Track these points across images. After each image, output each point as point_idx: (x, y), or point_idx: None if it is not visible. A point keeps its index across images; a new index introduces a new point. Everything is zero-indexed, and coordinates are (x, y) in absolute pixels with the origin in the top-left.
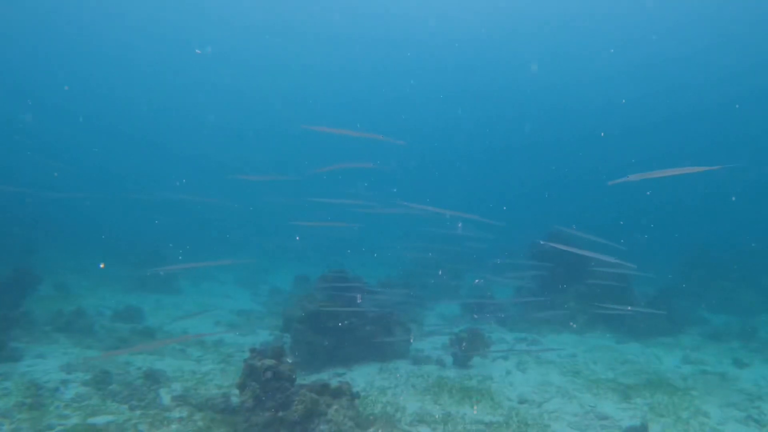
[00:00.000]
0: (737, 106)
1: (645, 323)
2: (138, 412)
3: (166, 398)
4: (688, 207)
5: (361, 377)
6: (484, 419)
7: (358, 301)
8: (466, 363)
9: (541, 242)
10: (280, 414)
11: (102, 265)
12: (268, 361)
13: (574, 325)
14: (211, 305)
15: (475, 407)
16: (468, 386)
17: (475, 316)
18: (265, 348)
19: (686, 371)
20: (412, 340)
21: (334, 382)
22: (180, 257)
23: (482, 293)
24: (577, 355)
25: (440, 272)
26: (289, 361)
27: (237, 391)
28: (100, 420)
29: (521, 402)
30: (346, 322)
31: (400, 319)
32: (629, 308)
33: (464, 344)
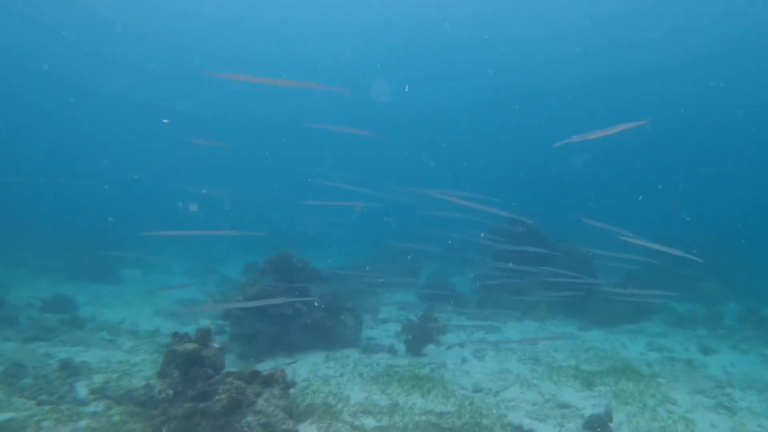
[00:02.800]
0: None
1: (609, 310)
2: (46, 407)
3: (82, 391)
4: (652, 196)
5: (305, 366)
6: (435, 409)
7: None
8: (419, 351)
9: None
10: (202, 405)
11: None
12: (190, 346)
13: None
14: (152, 294)
15: (426, 396)
16: (420, 375)
17: (432, 304)
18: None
19: (652, 358)
20: (362, 327)
21: (266, 370)
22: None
23: (441, 281)
24: (537, 343)
25: (409, 257)
26: (216, 345)
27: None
28: None
29: (476, 391)
30: (290, 308)
31: (350, 306)
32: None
33: (417, 331)
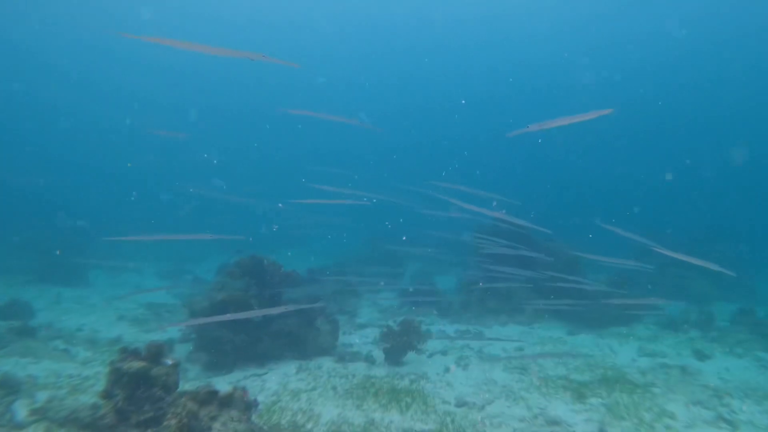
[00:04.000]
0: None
1: (597, 312)
2: None
3: (22, 412)
4: (641, 195)
5: (274, 378)
6: (414, 427)
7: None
8: (398, 360)
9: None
10: (149, 431)
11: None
12: (137, 364)
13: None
14: (119, 297)
15: (405, 412)
16: (398, 387)
17: (414, 307)
18: (155, 346)
19: (644, 365)
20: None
21: (225, 388)
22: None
23: (424, 282)
24: (524, 349)
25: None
26: (170, 362)
27: None
28: None
29: (459, 405)
30: (260, 314)
31: (326, 311)
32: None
33: (397, 339)
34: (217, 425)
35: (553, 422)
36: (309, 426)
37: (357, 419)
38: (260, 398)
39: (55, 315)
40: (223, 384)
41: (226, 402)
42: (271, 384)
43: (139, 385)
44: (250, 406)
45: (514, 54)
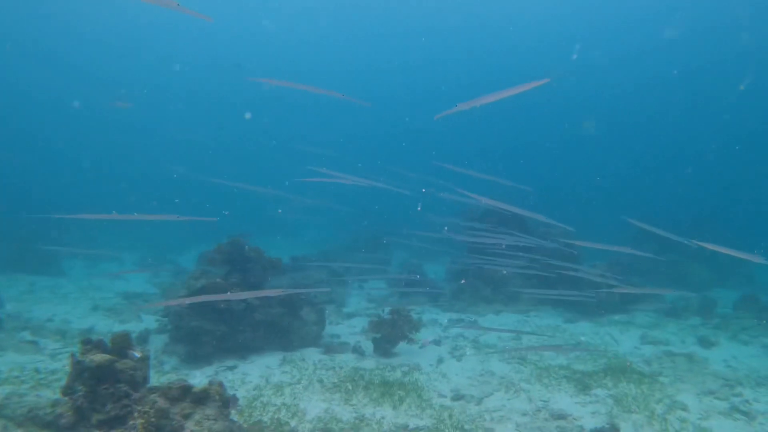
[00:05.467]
0: None
1: (595, 299)
2: None
3: None
4: (638, 181)
5: (256, 371)
6: (409, 423)
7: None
8: (389, 350)
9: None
10: None
11: None
12: (99, 357)
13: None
14: (94, 286)
15: (398, 407)
16: (390, 380)
17: (404, 296)
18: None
19: (648, 353)
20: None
21: (199, 384)
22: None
23: (415, 270)
24: (521, 338)
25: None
26: (138, 355)
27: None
28: None
29: (456, 398)
30: (240, 303)
31: (312, 300)
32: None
33: (387, 328)
34: (190, 424)
35: (559, 416)
36: (293, 423)
37: (346, 415)
38: (241, 393)
39: (26, 305)
40: (201, 378)
41: (201, 398)
42: (252, 377)
43: (102, 380)
44: (228, 403)
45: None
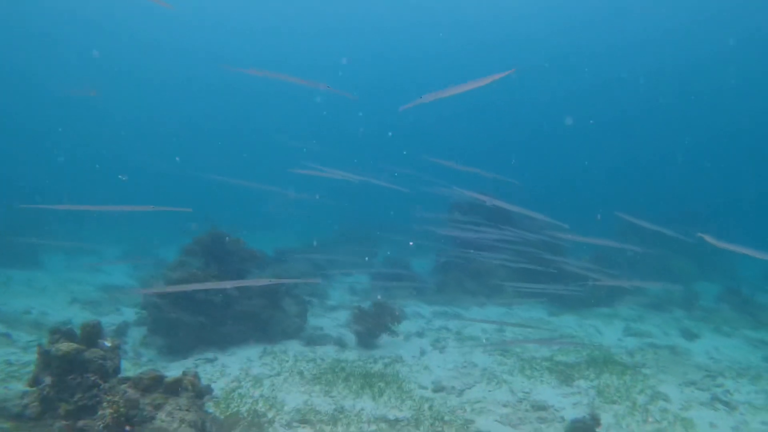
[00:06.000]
0: None
1: (579, 292)
2: None
3: None
4: (622, 175)
5: (236, 363)
6: (388, 415)
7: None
8: (371, 342)
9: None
10: (80, 423)
11: None
12: (66, 346)
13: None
14: (74, 279)
15: (378, 399)
16: (371, 371)
17: (388, 289)
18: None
19: (631, 345)
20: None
21: (173, 374)
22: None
23: (401, 264)
24: (505, 330)
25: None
26: (108, 344)
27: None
28: None
29: (437, 390)
30: (220, 294)
31: (294, 291)
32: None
33: (370, 320)
34: (161, 415)
35: (540, 407)
36: (271, 415)
37: (325, 407)
38: (219, 384)
39: (1, 299)
40: (179, 370)
41: (174, 389)
42: (231, 369)
43: (69, 370)
44: (202, 393)
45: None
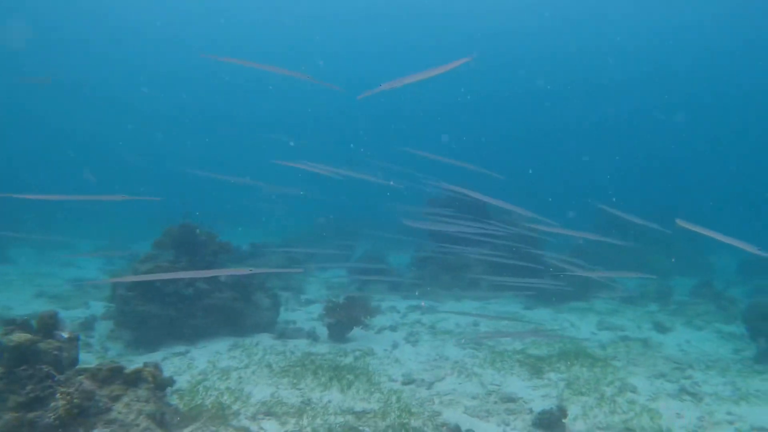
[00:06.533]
0: None
1: (555, 287)
2: None
3: None
4: (601, 171)
5: (204, 356)
6: (355, 407)
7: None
8: (344, 336)
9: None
10: (30, 415)
11: None
12: (18, 336)
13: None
14: (42, 273)
15: (346, 391)
16: (341, 364)
17: (364, 283)
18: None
19: (604, 338)
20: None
21: (133, 365)
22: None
23: (378, 258)
24: (479, 324)
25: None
26: (65, 335)
27: None
28: None
29: (407, 383)
30: (190, 287)
31: (266, 285)
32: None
33: (342, 313)
34: (119, 406)
35: (509, 399)
36: (236, 407)
37: (292, 399)
38: (186, 377)
39: None
40: None
41: (133, 380)
42: (199, 362)
43: (22, 361)
44: (163, 385)
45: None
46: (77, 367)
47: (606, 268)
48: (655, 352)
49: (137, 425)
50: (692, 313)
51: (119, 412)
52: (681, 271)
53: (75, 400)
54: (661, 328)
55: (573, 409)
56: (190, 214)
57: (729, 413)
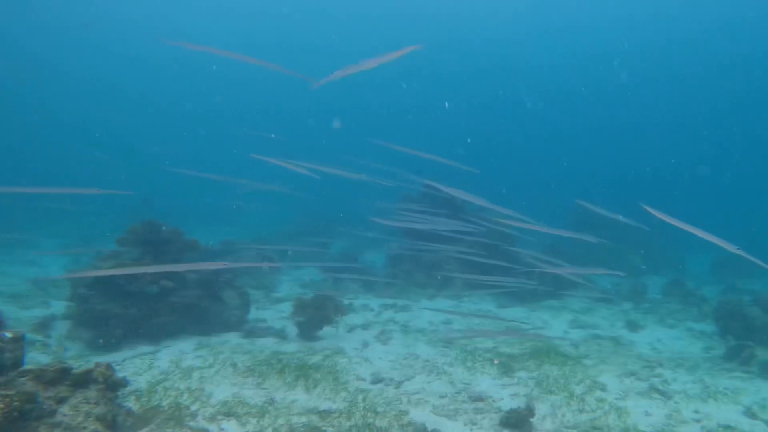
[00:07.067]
0: None
1: (530, 285)
2: None
3: None
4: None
5: (167, 356)
6: (320, 406)
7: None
8: (313, 334)
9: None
10: None
11: None
12: None
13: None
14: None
15: (311, 390)
16: (309, 363)
17: (337, 281)
18: None
19: (577, 337)
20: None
21: (83, 365)
22: None
23: (353, 257)
24: (452, 322)
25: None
26: (8, 335)
27: None
28: None
29: (375, 382)
30: (154, 286)
31: (236, 283)
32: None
33: (312, 311)
34: (65, 409)
35: (477, 398)
36: (195, 407)
37: (255, 399)
38: (146, 378)
39: None
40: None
41: (82, 381)
42: (161, 362)
43: None
44: (115, 386)
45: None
46: (22, 368)
47: (579, 266)
48: (627, 350)
49: (84, 428)
50: (665, 311)
51: (65, 415)
52: (656, 270)
53: (15, 403)
54: (633, 327)
55: (541, 408)
56: (149, 200)
57: (696, 411)
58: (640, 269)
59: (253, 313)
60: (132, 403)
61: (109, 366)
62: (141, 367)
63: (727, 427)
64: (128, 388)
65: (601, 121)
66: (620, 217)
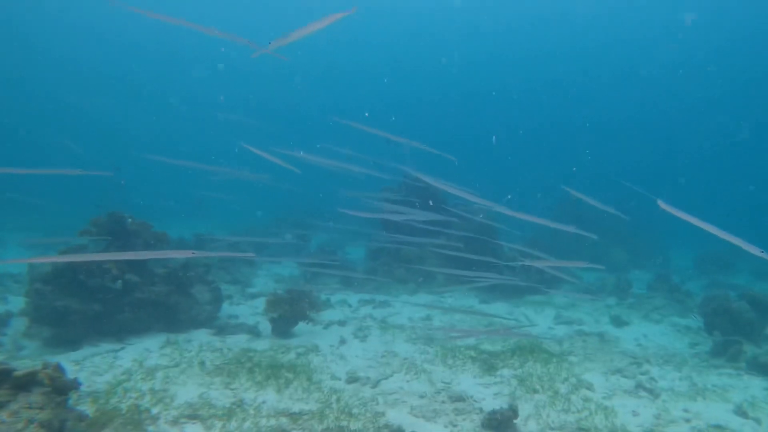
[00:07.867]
0: None
1: (512, 280)
2: None
3: None
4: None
5: (130, 354)
6: (291, 408)
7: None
8: (287, 331)
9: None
10: None
11: None
12: None
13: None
14: None
15: (282, 391)
16: (281, 362)
17: (315, 276)
18: None
19: (561, 333)
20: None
21: (27, 366)
22: None
23: (332, 251)
24: (432, 318)
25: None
26: None
27: None
28: None
29: (351, 381)
30: (117, 281)
31: (207, 278)
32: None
33: (286, 307)
34: (3, 415)
35: (458, 398)
36: (156, 410)
37: (222, 400)
38: (106, 378)
39: None
40: (66, 363)
41: (25, 384)
42: (124, 361)
43: None
44: (64, 388)
45: None
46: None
47: (562, 260)
48: (612, 346)
49: None
50: (649, 306)
51: (2, 422)
52: (640, 265)
53: None
54: (618, 322)
55: (525, 408)
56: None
57: (685, 410)
58: (624, 264)
59: (226, 309)
60: (88, 406)
61: (57, 366)
62: (102, 367)
63: (718, 426)
64: (86, 389)
65: (599, 116)
66: (600, 205)
